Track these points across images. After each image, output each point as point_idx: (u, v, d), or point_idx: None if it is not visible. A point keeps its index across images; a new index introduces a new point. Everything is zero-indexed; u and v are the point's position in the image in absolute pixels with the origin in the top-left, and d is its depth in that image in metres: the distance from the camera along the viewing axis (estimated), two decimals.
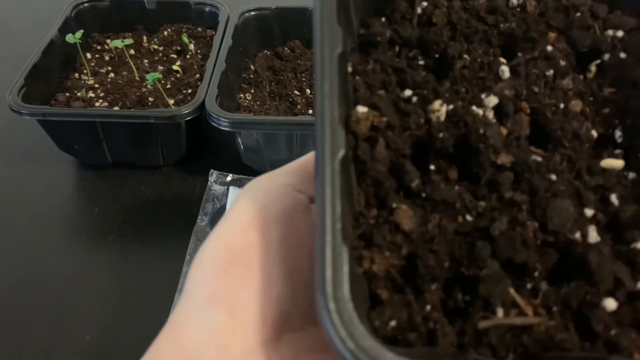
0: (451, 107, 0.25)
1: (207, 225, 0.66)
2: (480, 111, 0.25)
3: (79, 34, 0.78)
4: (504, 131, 0.25)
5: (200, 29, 0.87)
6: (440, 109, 0.25)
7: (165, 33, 0.87)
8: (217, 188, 0.70)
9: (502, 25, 0.29)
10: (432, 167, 0.24)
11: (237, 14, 0.81)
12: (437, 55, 0.28)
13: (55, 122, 0.70)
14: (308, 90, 0.78)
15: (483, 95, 0.25)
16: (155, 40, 0.86)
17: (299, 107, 0.75)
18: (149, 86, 0.76)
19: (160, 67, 0.81)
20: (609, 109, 0.27)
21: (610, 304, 0.21)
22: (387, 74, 0.27)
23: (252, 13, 0.83)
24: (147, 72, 0.77)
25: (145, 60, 0.83)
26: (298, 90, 0.79)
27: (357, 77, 0.26)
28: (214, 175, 0.71)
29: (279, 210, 0.24)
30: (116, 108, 0.73)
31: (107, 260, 0.65)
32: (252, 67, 0.82)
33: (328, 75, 0.23)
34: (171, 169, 0.76)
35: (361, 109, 0.24)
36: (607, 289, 0.22)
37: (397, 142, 0.24)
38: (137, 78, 0.79)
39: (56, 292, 0.62)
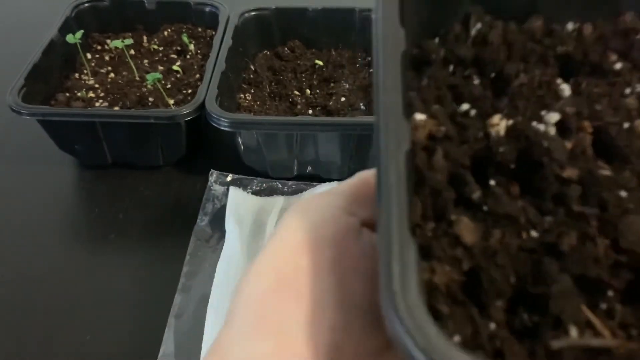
0: (511, 122, 0.24)
1: (207, 225, 0.66)
2: (541, 127, 0.24)
3: (79, 34, 0.78)
4: (569, 146, 0.24)
5: (200, 29, 0.87)
6: (500, 122, 0.24)
7: (165, 33, 0.87)
8: (217, 188, 0.70)
9: (559, 48, 0.28)
10: (492, 182, 0.23)
11: (237, 14, 0.81)
12: (493, 75, 0.27)
13: (55, 122, 0.70)
14: (308, 91, 0.78)
15: (543, 112, 0.25)
16: (155, 40, 0.86)
17: (299, 107, 0.75)
18: (149, 86, 0.76)
19: (160, 67, 0.81)
20: None
21: None
22: (442, 90, 0.26)
23: (252, 13, 0.83)
24: (147, 72, 0.77)
25: (145, 60, 0.83)
26: (298, 90, 0.79)
27: (411, 93, 0.25)
28: (214, 175, 0.71)
29: (330, 233, 0.23)
30: (116, 108, 0.73)
31: (106, 260, 0.65)
32: (252, 67, 0.82)
33: (391, 70, 0.22)
34: (171, 169, 0.76)
35: (419, 116, 0.23)
36: None
37: (456, 153, 0.23)
38: (137, 78, 0.79)
39: (56, 292, 0.62)
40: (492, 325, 0.20)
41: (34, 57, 0.73)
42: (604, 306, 0.20)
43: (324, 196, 0.25)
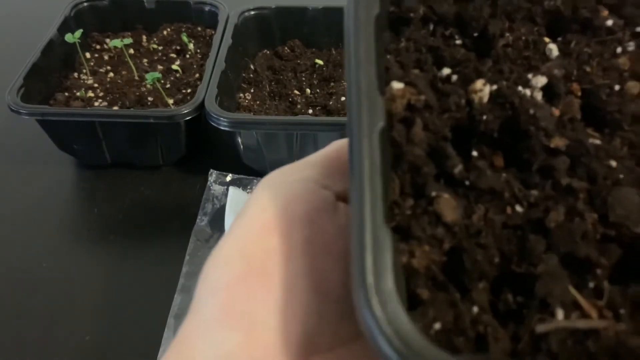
0: (495, 87, 0.23)
1: (206, 225, 0.66)
2: (527, 92, 0.23)
3: (78, 33, 0.78)
4: (556, 112, 0.22)
5: (199, 29, 0.86)
6: (483, 88, 0.23)
7: (165, 32, 0.86)
8: (217, 188, 0.70)
9: (546, 3, 0.26)
10: (474, 153, 0.22)
11: (236, 14, 0.81)
12: (476, 34, 0.26)
13: (55, 122, 0.69)
14: (308, 90, 0.78)
15: (530, 75, 0.23)
16: (155, 39, 0.86)
17: (298, 106, 0.75)
18: (148, 86, 0.76)
19: (160, 67, 0.81)
20: None
21: None
22: (422, 52, 0.24)
23: (252, 13, 0.82)
24: (147, 72, 0.77)
25: (145, 60, 0.83)
26: (298, 90, 0.78)
27: (388, 56, 0.24)
28: (213, 175, 0.71)
29: (302, 210, 0.21)
30: (115, 108, 0.73)
31: (106, 260, 0.65)
32: (251, 66, 0.82)
33: (364, 38, 0.21)
34: (171, 169, 0.75)
35: (397, 85, 0.22)
36: None
37: (436, 124, 0.22)
38: (137, 78, 0.79)
39: (56, 292, 0.62)
40: (475, 309, 0.19)
41: (33, 57, 0.73)
42: (591, 285, 0.19)
43: (296, 168, 0.23)
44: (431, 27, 0.26)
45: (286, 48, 0.84)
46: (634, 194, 0.20)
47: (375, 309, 0.16)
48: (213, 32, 0.82)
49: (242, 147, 0.70)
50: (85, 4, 0.85)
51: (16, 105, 0.67)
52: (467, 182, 0.21)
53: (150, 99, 0.74)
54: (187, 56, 0.83)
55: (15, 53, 0.81)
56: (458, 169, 0.21)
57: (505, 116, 0.22)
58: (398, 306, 0.17)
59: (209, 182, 0.71)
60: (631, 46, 0.25)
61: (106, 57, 0.84)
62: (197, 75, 0.79)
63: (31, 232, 0.68)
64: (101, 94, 0.76)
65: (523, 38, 0.25)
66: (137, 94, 0.74)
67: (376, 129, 0.19)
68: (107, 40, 0.86)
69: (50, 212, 0.71)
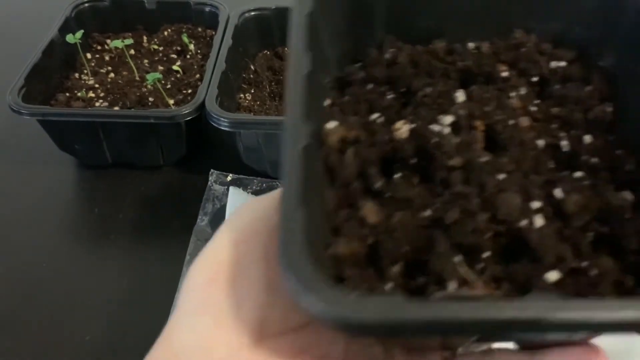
0: (413, 126, 0.29)
1: (207, 225, 0.66)
2: (437, 127, 0.29)
3: (79, 34, 0.78)
4: (457, 140, 0.28)
5: (200, 29, 0.87)
6: (402, 127, 0.29)
7: (165, 33, 0.86)
8: (217, 188, 0.70)
9: (459, 64, 0.34)
10: (396, 175, 0.28)
11: (237, 14, 0.81)
12: (403, 90, 0.33)
13: (55, 122, 0.69)
14: None
15: (440, 116, 0.30)
16: (155, 40, 0.86)
17: None
18: (149, 86, 0.76)
19: (160, 67, 0.81)
20: (556, 125, 0.31)
21: (553, 276, 0.24)
22: (359, 104, 0.32)
23: (252, 13, 0.83)
24: (147, 72, 0.77)
25: (145, 60, 0.83)
26: None
27: (334, 108, 0.31)
28: (214, 175, 0.71)
29: (262, 228, 0.27)
30: (116, 108, 0.73)
31: (106, 260, 0.65)
32: (252, 67, 0.82)
33: (297, 87, 0.26)
34: (171, 169, 0.75)
35: (331, 124, 0.28)
36: (550, 264, 0.24)
37: (364, 152, 0.28)
38: (137, 78, 0.79)
39: (56, 292, 0.62)
40: (390, 285, 0.24)
41: (34, 57, 0.73)
42: (480, 266, 0.24)
43: (260, 200, 0.29)
44: (369, 87, 0.33)
45: (286, 48, 0.85)
46: (517, 197, 0.26)
47: (289, 264, 0.21)
48: (213, 32, 0.82)
49: (242, 147, 0.70)
50: (86, 5, 0.85)
51: (17, 106, 0.67)
52: (388, 195, 0.27)
53: (150, 99, 0.74)
54: (188, 57, 0.83)
55: (16, 53, 0.82)
56: (379, 184, 0.27)
57: (419, 145, 0.28)
58: (305, 263, 0.20)
59: (209, 182, 0.71)
60: (523, 91, 0.32)
61: (107, 58, 0.84)
62: (197, 75, 0.79)
63: (31, 232, 0.68)
64: (102, 95, 0.76)
65: (438, 90, 0.32)
66: (138, 94, 0.75)
67: (299, 145, 0.24)
68: (108, 40, 0.86)
69: (50, 212, 0.71)
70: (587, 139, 0.30)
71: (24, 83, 0.69)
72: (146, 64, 0.83)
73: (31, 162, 0.77)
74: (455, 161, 0.28)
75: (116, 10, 0.86)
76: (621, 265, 0.25)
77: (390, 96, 0.32)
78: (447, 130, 0.29)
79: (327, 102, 0.31)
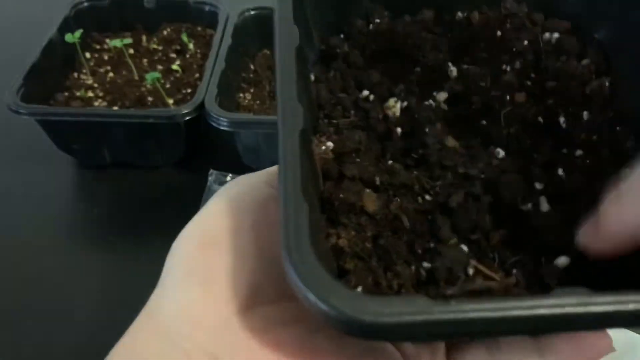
0: (405, 104, 0.28)
1: None
2: (432, 103, 0.28)
3: (78, 33, 0.78)
4: (452, 116, 0.28)
5: (199, 29, 0.86)
6: (395, 105, 0.28)
7: (165, 32, 0.86)
8: (217, 188, 0.70)
9: (449, 35, 0.33)
10: (391, 160, 0.27)
11: (236, 14, 0.81)
12: (392, 63, 0.31)
13: (54, 122, 0.69)
14: None
15: (434, 93, 0.29)
16: (155, 39, 0.86)
17: None
18: (148, 86, 0.76)
19: (160, 67, 0.81)
20: (552, 100, 0.30)
21: (563, 261, 0.23)
22: (346, 80, 0.30)
23: (252, 12, 0.82)
24: (147, 72, 0.77)
25: (145, 60, 0.83)
26: None
27: (320, 84, 0.30)
28: (213, 175, 0.71)
29: (251, 200, 0.26)
30: (115, 108, 0.73)
31: (105, 260, 0.65)
32: (251, 66, 0.82)
33: (287, 63, 0.25)
34: (170, 168, 0.75)
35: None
36: (559, 249, 0.23)
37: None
38: (136, 78, 0.79)
39: (55, 292, 0.61)
40: (395, 280, 0.23)
41: (33, 57, 0.73)
42: (487, 251, 0.23)
43: (252, 175, 0.28)
44: (353, 58, 0.31)
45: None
46: (519, 180, 0.25)
47: (295, 260, 0.20)
48: (213, 32, 0.82)
49: (242, 147, 0.70)
50: (85, 4, 0.85)
51: (16, 105, 0.66)
52: (385, 181, 0.26)
53: (150, 98, 0.74)
54: (187, 56, 0.83)
55: (15, 53, 0.81)
56: (377, 175, 0.26)
57: (412, 124, 0.28)
58: (309, 252, 0.19)
59: (209, 182, 0.70)
60: (517, 65, 0.31)
61: (106, 57, 0.84)
62: (197, 75, 0.79)
63: (30, 231, 0.68)
64: (101, 94, 0.76)
65: (431, 65, 0.30)
66: (137, 94, 0.74)
67: (296, 130, 0.23)
68: (107, 40, 0.86)
69: (49, 211, 0.71)
70: (585, 115, 0.29)
71: (22, 82, 0.69)
72: (145, 64, 0.82)
73: (30, 161, 0.76)
74: (452, 142, 0.27)
75: (115, 10, 0.86)
76: None
77: (378, 70, 0.31)
78: (444, 107, 0.28)
79: (312, 77, 0.30)
